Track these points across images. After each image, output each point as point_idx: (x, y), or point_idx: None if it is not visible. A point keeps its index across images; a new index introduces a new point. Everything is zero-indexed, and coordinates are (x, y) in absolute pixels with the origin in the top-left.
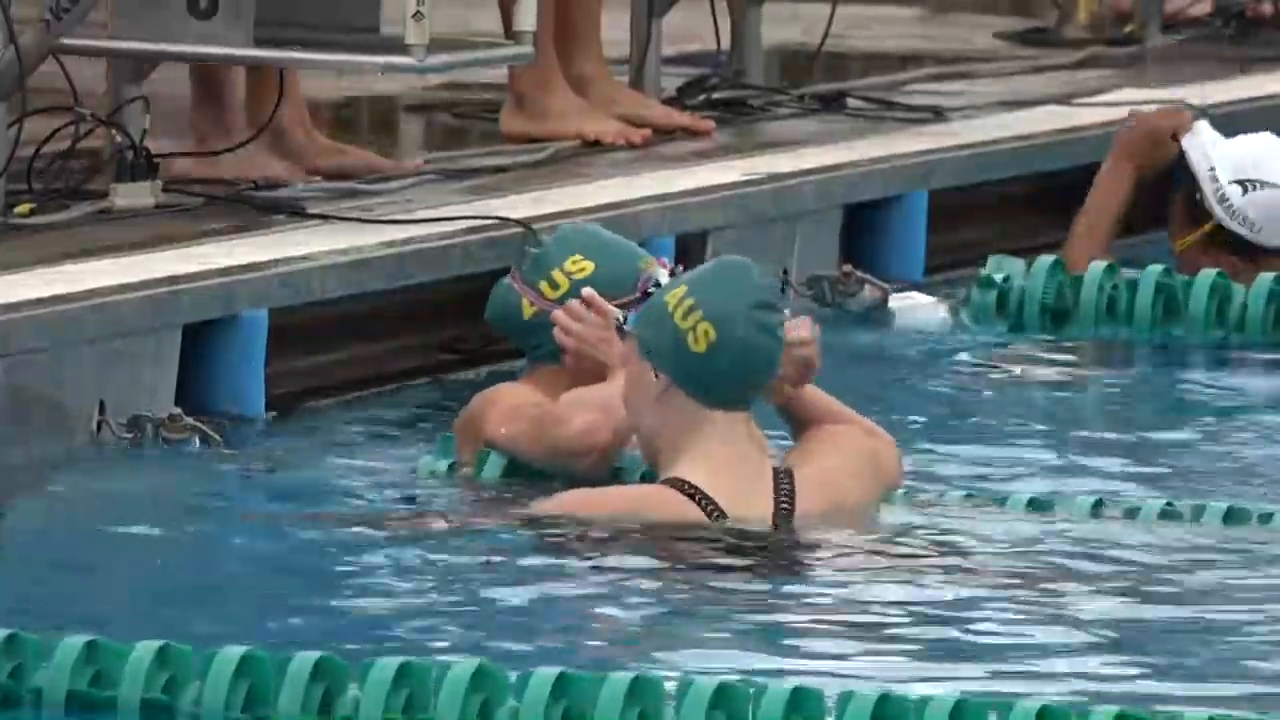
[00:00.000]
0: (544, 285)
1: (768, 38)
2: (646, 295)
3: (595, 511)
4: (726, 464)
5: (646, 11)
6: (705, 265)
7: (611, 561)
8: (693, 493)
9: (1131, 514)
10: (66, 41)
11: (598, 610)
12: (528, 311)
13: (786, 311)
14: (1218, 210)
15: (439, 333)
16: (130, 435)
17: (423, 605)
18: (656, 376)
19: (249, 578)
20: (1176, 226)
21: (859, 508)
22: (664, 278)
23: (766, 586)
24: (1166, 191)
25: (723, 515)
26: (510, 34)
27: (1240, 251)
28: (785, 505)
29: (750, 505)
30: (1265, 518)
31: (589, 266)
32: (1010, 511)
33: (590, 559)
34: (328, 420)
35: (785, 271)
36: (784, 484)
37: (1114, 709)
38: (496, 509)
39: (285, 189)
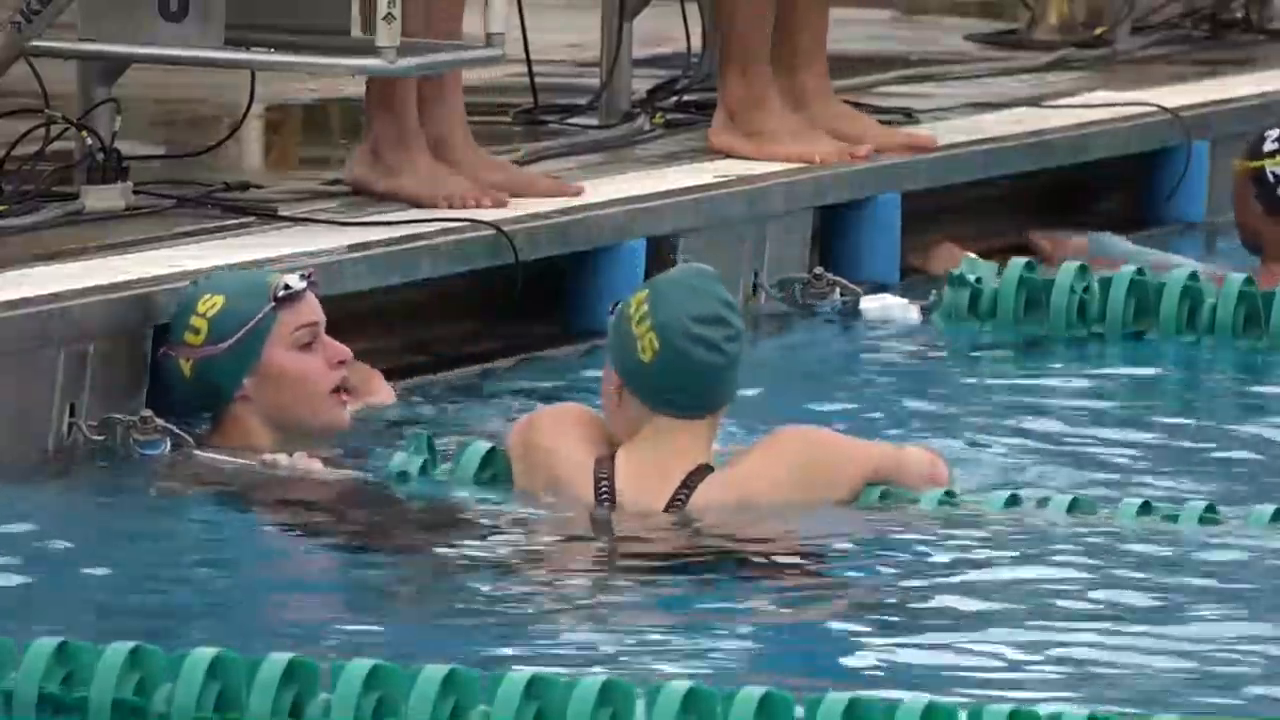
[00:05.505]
0: (188, 336)
1: None
2: (280, 300)
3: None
4: (639, 468)
5: (617, 14)
6: (673, 271)
7: (563, 562)
8: (601, 475)
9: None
10: (37, 43)
11: (562, 612)
12: (187, 370)
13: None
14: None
15: (408, 335)
16: (101, 438)
17: (392, 607)
18: (617, 376)
19: (219, 580)
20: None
21: (776, 508)
22: (295, 281)
23: (719, 585)
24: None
25: (612, 502)
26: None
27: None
28: (679, 499)
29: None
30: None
31: (218, 300)
32: (989, 511)
33: (540, 564)
34: None
35: (756, 274)
36: (690, 481)
37: (1084, 711)
38: (464, 505)
39: (255, 190)
